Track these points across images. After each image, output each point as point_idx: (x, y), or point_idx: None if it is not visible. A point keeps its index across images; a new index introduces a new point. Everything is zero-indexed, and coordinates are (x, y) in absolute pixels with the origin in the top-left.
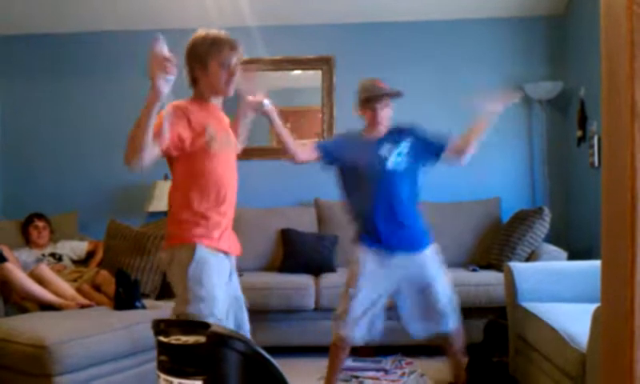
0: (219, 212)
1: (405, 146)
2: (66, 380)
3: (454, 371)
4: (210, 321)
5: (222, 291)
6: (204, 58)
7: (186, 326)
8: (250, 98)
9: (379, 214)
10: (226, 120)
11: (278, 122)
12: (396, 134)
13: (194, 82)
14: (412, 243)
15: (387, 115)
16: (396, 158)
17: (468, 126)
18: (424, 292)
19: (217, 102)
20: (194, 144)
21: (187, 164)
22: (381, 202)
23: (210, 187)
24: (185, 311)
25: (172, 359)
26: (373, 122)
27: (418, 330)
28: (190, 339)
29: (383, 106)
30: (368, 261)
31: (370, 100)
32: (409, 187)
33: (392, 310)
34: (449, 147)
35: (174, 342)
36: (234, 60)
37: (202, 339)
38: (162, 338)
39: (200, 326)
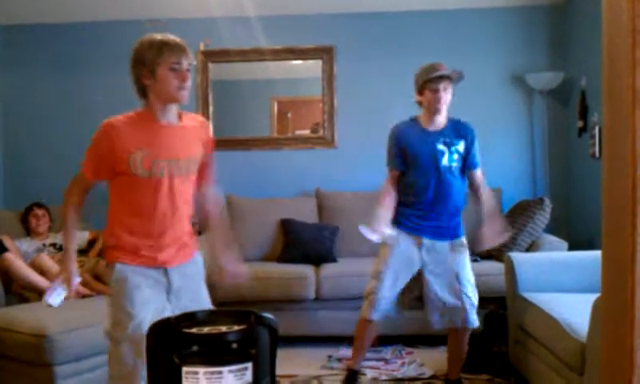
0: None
1: (461, 145)
2: (67, 369)
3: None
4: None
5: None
6: (151, 64)
7: (217, 316)
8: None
9: (427, 205)
10: (192, 141)
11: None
12: (455, 130)
13: (143, 92)
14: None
15: (446, 100)
16: (451, 155)
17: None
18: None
19: (171, 116)
20: (115, 169)
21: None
22: (432, 195)
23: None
24: None
25: (211, 351)
26: (430, 108)
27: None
28: (234, 326)
29: (443, 88)
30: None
31: (429, 82)
32: (458, 187)
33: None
34: (475, 174)
35: (214, 332)
36: (185, 64)
37: (243, 325)
38: (193, 331)
39: (229, 314)
